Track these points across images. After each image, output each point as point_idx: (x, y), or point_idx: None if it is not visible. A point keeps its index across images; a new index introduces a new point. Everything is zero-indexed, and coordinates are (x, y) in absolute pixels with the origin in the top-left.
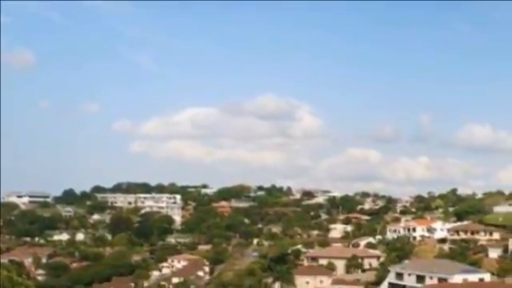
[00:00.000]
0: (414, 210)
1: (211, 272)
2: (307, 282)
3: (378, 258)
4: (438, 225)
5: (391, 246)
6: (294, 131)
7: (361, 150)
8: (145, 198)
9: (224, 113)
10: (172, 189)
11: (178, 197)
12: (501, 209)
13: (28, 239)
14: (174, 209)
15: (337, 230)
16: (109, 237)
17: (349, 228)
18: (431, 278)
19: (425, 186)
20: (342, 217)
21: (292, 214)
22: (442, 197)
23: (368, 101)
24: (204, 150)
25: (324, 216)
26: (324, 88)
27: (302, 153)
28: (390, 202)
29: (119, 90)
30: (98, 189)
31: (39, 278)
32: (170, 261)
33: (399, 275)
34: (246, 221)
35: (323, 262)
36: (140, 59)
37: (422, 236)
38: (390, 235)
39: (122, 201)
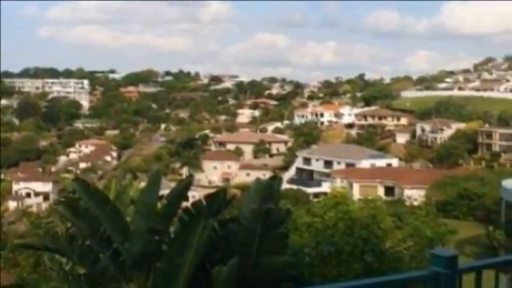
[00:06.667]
0: (321, 95)
1: (119, 157)
2: (215, 167)
3: (286, 143)
4: (345, 110)
5: (299, 131)
6: (202, 16)
7: (268, 35)
8: (52, 83)
9: None
10: (79, 74)
11: (86, 82)
12: (408, 94)
13: None
14: (81, 94)
15: (244, 115)
16: (16, 122)
17: (256, 113)
18: (339, 163)
19: (332, 72)
20: (249, 102)
21: (200, 99)
22: (349, 82)
23: None
24: (111, 35)
25: (232, 101)
26: None
27: (209, 38)
28: (298, 87)
29: None
30: (5, 74)
31: None
32: (77, 146)
33: (307, 160)
34: (154, 106)
35: (231, 147)
36: None
37: (330, 121)
38: (297, 120)
39: (29, 86)
